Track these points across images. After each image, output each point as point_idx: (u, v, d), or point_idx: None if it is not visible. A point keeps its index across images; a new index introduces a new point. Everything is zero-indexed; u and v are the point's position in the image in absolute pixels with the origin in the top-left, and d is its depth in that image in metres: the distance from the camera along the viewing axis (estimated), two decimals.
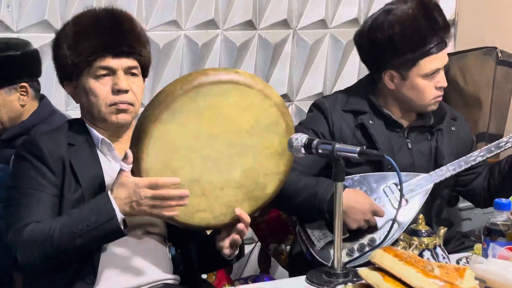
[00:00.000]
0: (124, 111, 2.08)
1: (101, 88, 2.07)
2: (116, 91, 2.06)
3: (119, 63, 2.07)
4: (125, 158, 1.92)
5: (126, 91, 2.07)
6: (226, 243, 2.07)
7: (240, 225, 2.04)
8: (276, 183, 2.07)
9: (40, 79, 2.88)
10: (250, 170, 2.02)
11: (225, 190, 2.01)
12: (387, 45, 2.40)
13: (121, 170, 1.93)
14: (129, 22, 2.11)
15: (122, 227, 1.94)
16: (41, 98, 2.87)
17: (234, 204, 2.03)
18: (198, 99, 1.91)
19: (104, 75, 2.07)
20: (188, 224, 2.01)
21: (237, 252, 2.14)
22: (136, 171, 1.93)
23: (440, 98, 2.49)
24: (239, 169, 2.01)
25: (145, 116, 1.91)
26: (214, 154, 1.97)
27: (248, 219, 2.05)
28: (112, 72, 2.07)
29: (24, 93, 2.78)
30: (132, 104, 2.08)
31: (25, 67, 2.79)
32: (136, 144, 1.92)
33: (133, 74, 2.10)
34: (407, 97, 2.46)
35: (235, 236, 2.06)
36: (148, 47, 2.15)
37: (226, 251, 2.08)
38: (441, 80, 2.45)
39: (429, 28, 2.39)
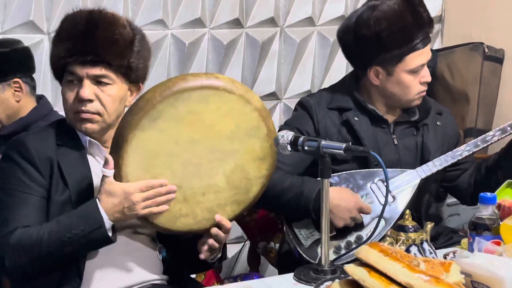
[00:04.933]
0: (89, 120, 2.04)
1: (68, 94, 2.05)
2: (79, 100, 2.02)
3: (85, 71, 2.02)
4: (106, 163, 1.91)
5: (89, 101, 2.02)
6: (204, 247, 2.06)
7: (213, 230, 2.03)
8: (259, 187, 2.07)
9: None
10: (232, 175, 2.02)
11: (207, 195, 2.00)
12: (373, 41, 2.39)
13: (104, 177, 1.92)
14: (107, 28, 2.03)
15: (111, 234, 1.94)
16: (40, 97, 2.89)
17: (216, 209, 2.02)
18: (177, 105, 1.90)
19: (72, 81, 2.04)
20: (170, 229, 2.01)
21: (219, 255, 2.14)
22: (117, 177, 1.92)
23: (424, 93, 2.49)
24: (221, 174, 2.01)
25: (125, 122, 1.90)
26: (195, 159, 1.97)
27: (228, 224, 2.04)
28: (79, 79, 2.03)
29: (18, 89, 2.81)
30: (98, 114, 2.04)
31: (16, 62, 2.82)
32: (116, 150, 1.91)
33: (102, 83, 2.04)
34: (391, 92, 2.46)
35: (210, 241, 2.05)
36: (130, 54, 2.05)
37: (202, 255, 2.06)
38: (426, 75, 2.45)
39: (415, 24, 2.39)
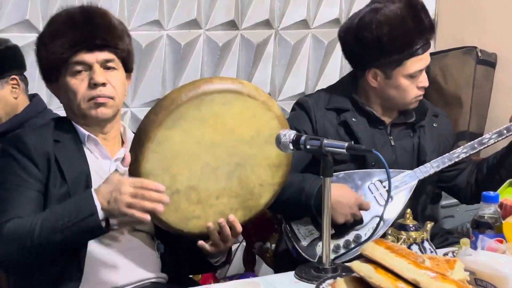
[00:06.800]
0: (103, 104, 2.06)
1: (78, 84, 2.06)
2: (93, 85, 2.05)
3: (94, 56, 2.06)
4: (122, 160, 1.91)
5: (103, 84, 2.05)
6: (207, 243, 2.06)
7: (221, 220, 2.02)
8: (271, 194, 2.09)
9: None
10: (247, 180, 2.03)
11: (221, 199, 2.02)
12: (374, 44, 2.40)
13: (115, 171, 1.91)
14: (102, 16, 2.10)
15: (104, 225, 1.92)
16: (34, 96, 2.90)
17: (228, 212, 2.03)
18: (202, 106, 1.92)
19: (80, 71, 2.06)
20: (181, 230, 2.01)
21: (224, 259, 2.14)
22: (135, 173, 1.92)
23: (421, 97, 2.52)
24: (236, 178, 2.02)
25: (149, 120, 1.91)
26: (214, 162, 1.98)
27: (239, 228, 2.05)
28: (88, 67, 2.06)
29: (16, 86, 2.83)
30: (111, 98, 2.07)
31: (12, 60, 2.84)
32: (138, 147, 1.91)
33: (110, 68, 2.08)
34: (389, 95, 2.48)
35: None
36: (127, 40, 2.13)
37: (207, 248, 2.05)
38: (423, 80, 2.47)
39: (416, 30, 2.41)
